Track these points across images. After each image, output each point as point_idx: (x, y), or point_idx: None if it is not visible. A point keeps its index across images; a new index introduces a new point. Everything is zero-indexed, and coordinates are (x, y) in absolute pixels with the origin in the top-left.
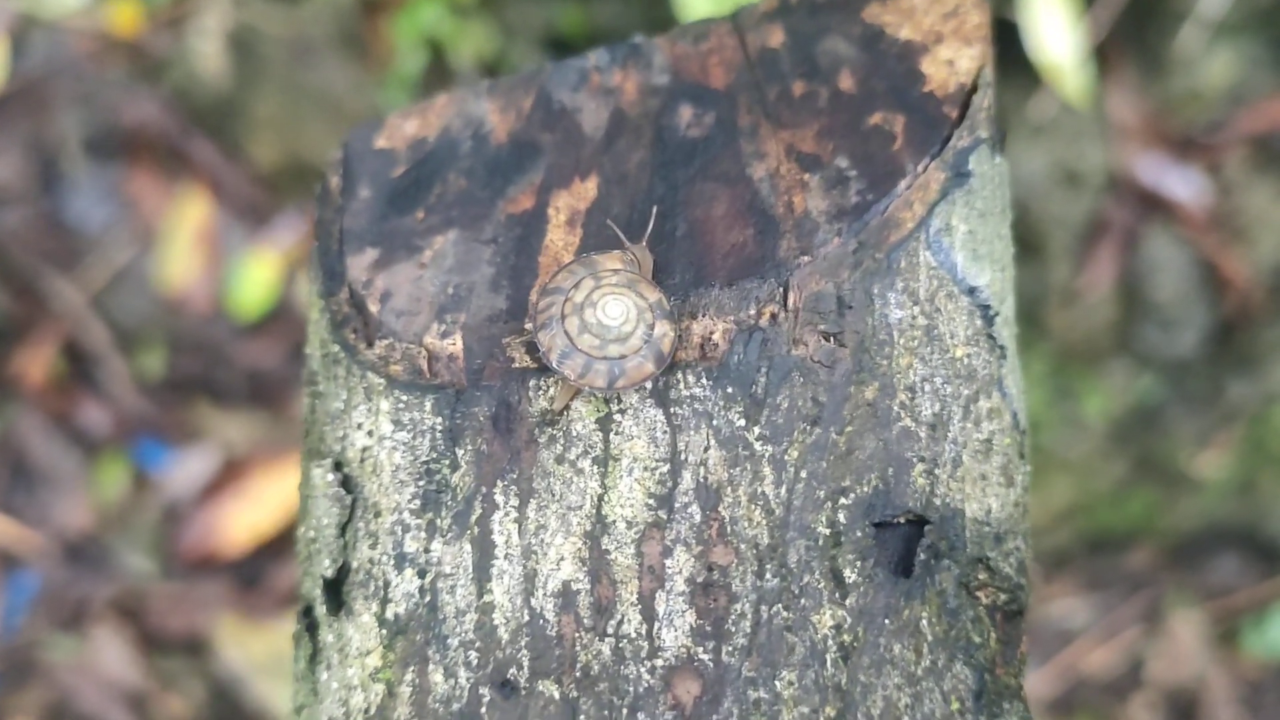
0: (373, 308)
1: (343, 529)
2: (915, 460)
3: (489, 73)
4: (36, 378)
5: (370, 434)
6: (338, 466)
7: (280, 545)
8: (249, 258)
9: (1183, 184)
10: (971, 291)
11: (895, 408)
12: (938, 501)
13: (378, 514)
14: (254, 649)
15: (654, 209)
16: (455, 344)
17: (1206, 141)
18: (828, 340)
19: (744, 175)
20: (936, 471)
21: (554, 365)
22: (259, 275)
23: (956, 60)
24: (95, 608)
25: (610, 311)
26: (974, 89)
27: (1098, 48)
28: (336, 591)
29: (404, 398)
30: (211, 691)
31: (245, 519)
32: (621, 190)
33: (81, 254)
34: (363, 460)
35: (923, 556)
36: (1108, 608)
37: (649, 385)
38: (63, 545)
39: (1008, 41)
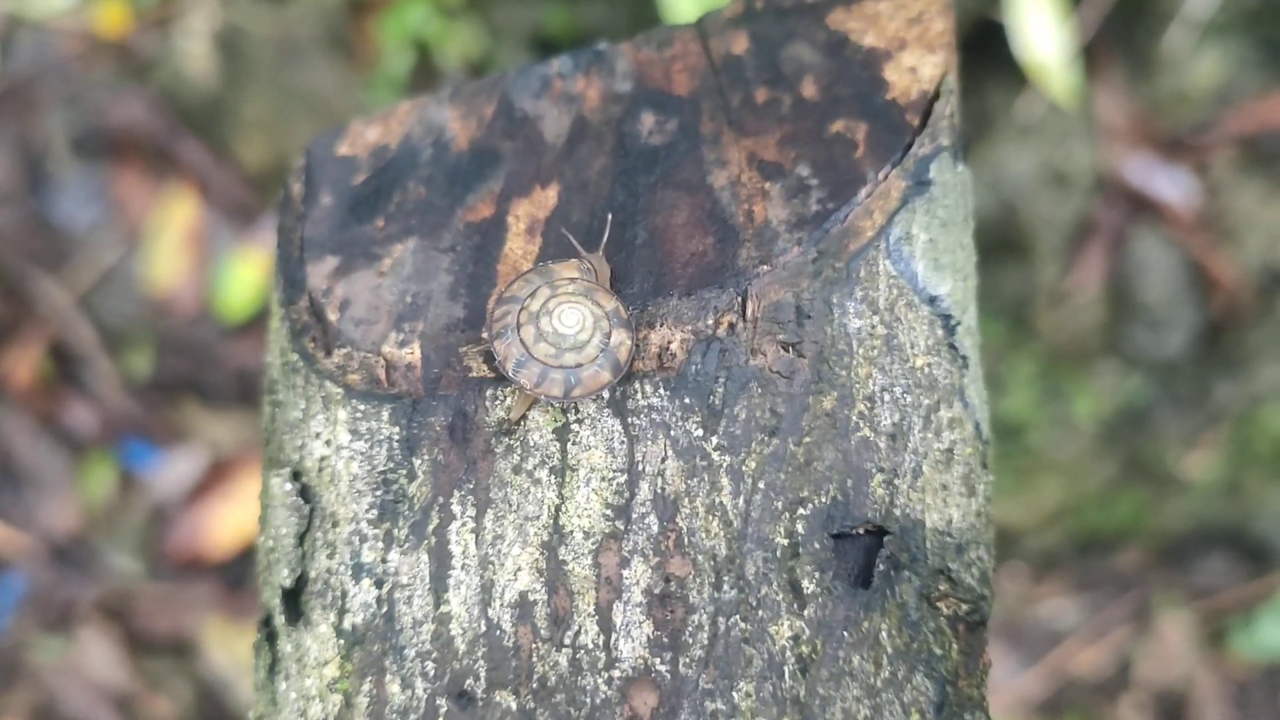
0: (331, 316)
1: (301, 539)
2: (874, 471)
3: (476, 74)
4: (23, 378)
5: (328, 443)
6: (296, 476)
7: None
8: (236, 258)
9: (1171, 184)
10: (932, 300)
11: (854, 418)
12: (898, 512)
13: (335, 524)
14: (240, 651)
15: (609, 218)
16: (413, 353)
17: (1194, 142)
18: (786, 350)
19: (705, 183)
20: (896, 482)
21: (509, 374)
22: (246, 276)
23: (919, 67)
24: (82, 609)
25: (566, 320)
26: (936, 96)
27: (1085, 48)
28: (295, 601)
29: (361, 407)
30: (198, 693)
31: (232, 520)
32: (582, 198)
33: (68, 254)
34: (320, 470)
35: (882, 568)
36: (1096, 608)
37: (606, 395)
38: (49, 546)
39: (994, 42)
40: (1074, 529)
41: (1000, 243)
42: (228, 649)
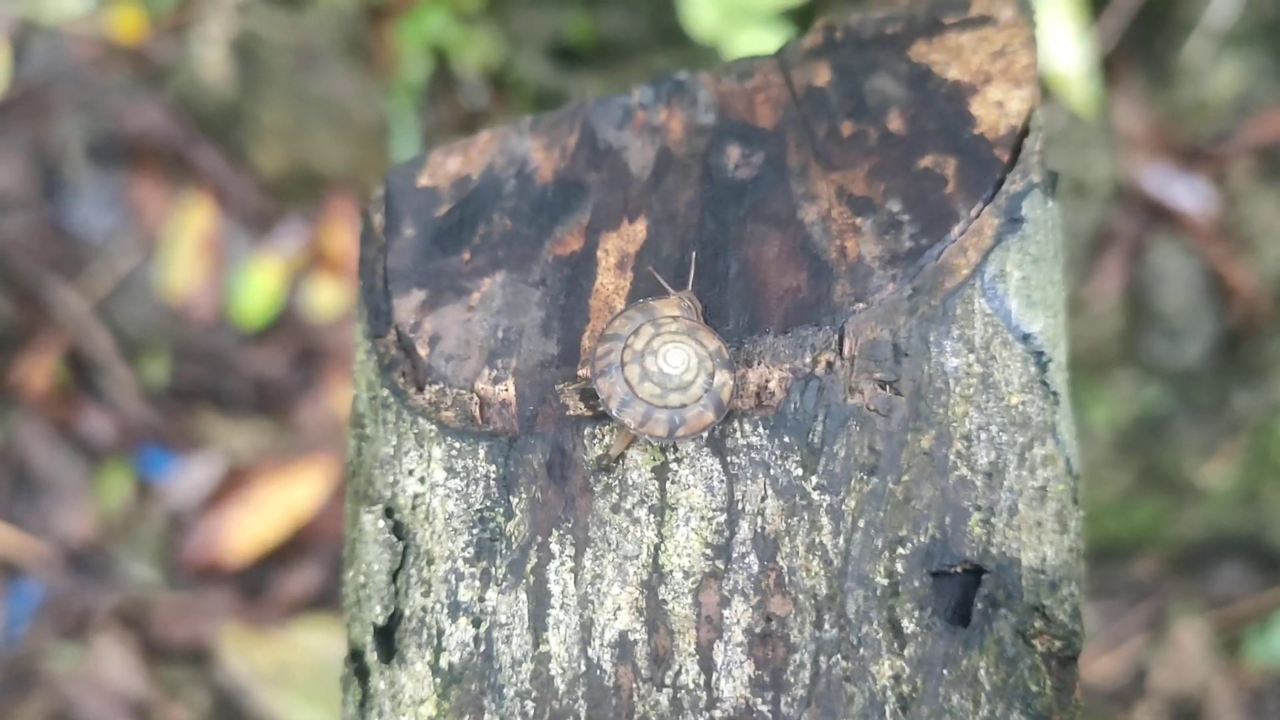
0: (422, 351)
1: (394, 576)
2: (972, 509)
3: (494, 81)
4: (39, 386)
5: (422, 481)
6: (389, 513)
7: (284, 554)
8: (253, 265)
9: (1189, 194)
10: (1025, 338)
11: (952, 456)
12: (994, 550)
13: (430, 561)
14: (258, 658)
15: (694, 255)
16: (507, 390)
17: (1213, 151)
18: (884, 388)
19: (795, 218)
20: (993, 520)
21: (614, 413)
22: (263, 283)
23: (1006, 102)
24: (98, 617)
25: (672, 360)
26: (1025, 132)
27: (1105, 58)
28: (388, 638)
29: (456, 445)
30: (215, 701)
31: (249, 528)
32: (671, 231)
33: (84, 261)
34: (414, 507)
35: (980, 606)
36: (1112, 616)
37: (706, 434)
38: (65, 554)
39: None
40: (1091, 537)
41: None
42: (244, 657)
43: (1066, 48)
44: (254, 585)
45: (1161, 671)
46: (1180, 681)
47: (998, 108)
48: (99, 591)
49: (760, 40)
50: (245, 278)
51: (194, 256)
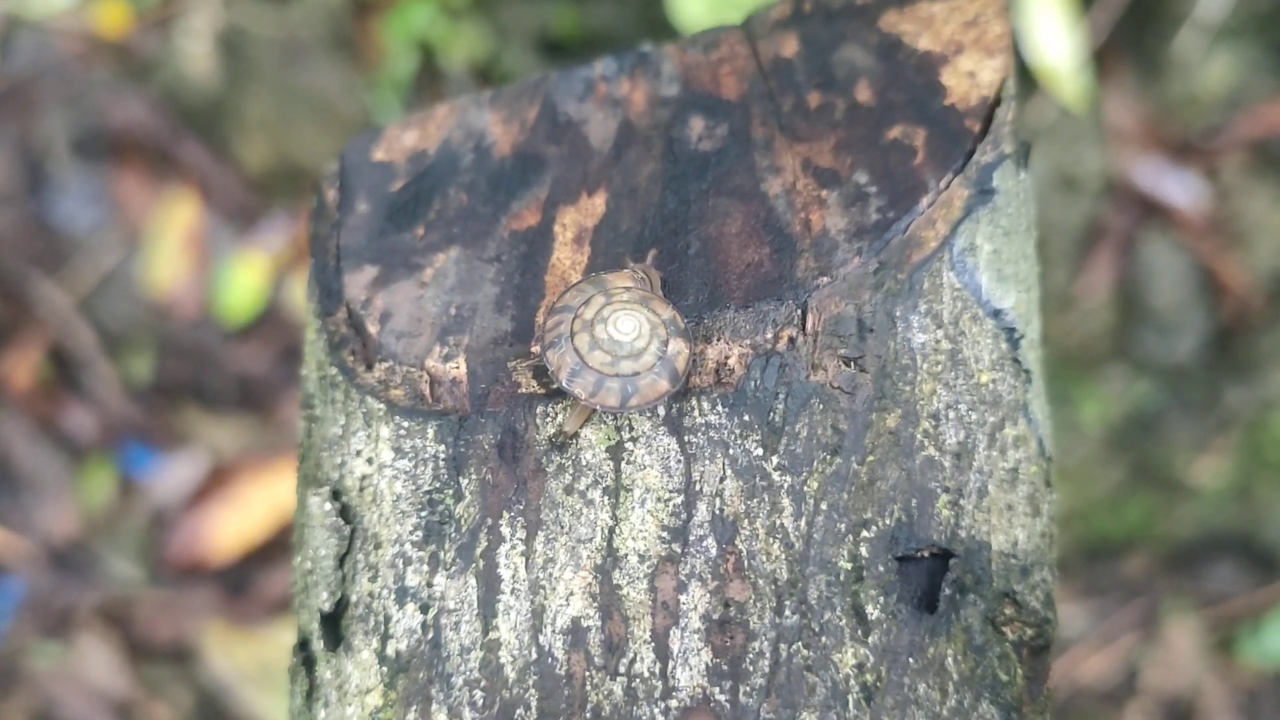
0: (372, 329)
1: (341, 560)
2: (940, 491)
3: (481, 75)
4: (22, 382)
5: (370, 462)
6: (335, 495)
7: (269, 552)
8: (238, 261)
9: (1180, 189)
10: (996, 314)
11: (919, 436)
12: (963, 534)
13: (378, 545)
14: (241, 657)
15: (653, 251)
16: (458, 368)
17: (1204, 146)
18: (848, 365)
19: (759, 191)
20: (961, 502)
21: (564, 384)
22: (247, 279)
23: (978, 72)
24: (81, 615)
25: (622, 327)
26: (997, 102)
27: (1095, 52)
28: (335, 626)
29: (405, 424)
30: (199, 700)
31: (233, 525)
32: (631, 205)
33: (68, 257)
34: (362, 489)
35: (948, 591)
36: (1103, 615)
37: (662, 410)
38: (48, 552)
39: None
40: (1081, 535)
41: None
42: (228, 655)
43: (1057, 41)
44: (238, 583)
45: (1153, 671)
46: (1172, 681)
47: (969, 78)
48: (81, 589)
49: None
50: (230, 273)
51: (178, 252)
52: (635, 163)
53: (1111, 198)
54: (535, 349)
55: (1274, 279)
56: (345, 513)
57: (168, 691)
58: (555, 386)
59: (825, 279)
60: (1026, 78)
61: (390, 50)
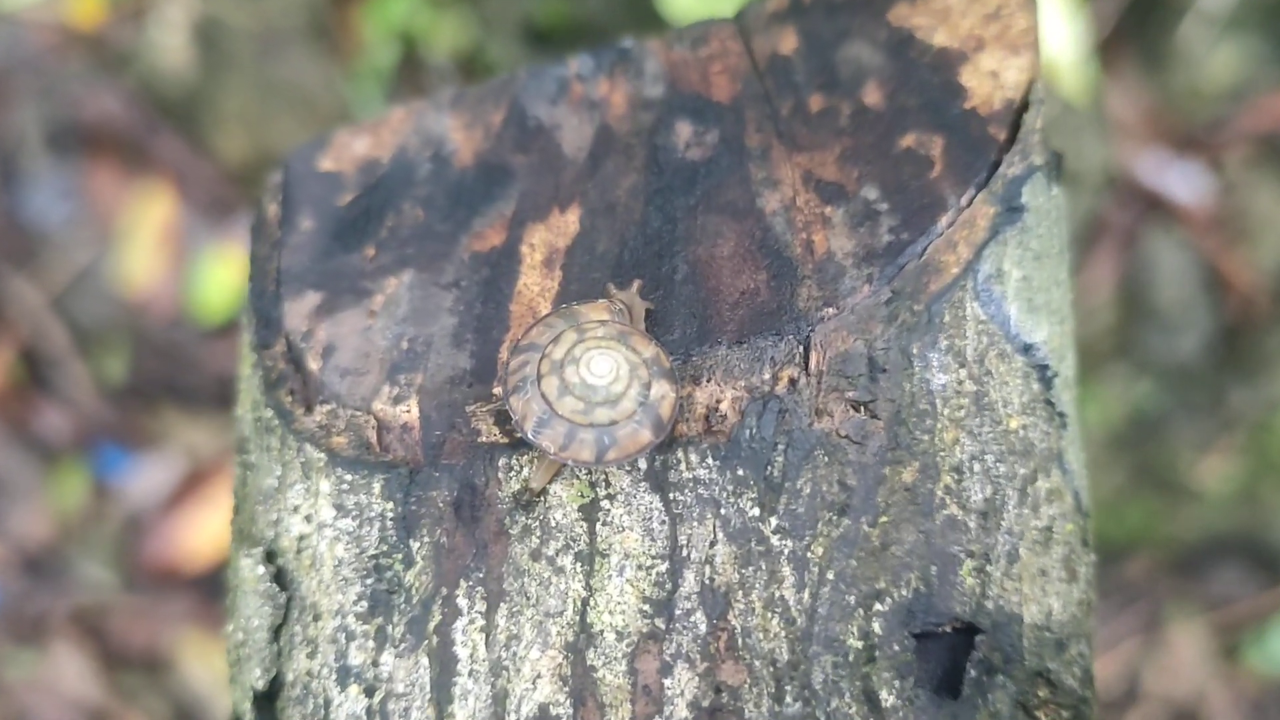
0: (313, 365)
1: (276, 633)
2: (963, 556)
3: (464, 68)
4: None
5: (308, 520)
6: (270, 557)
7: None
8: (214, 257)
9: (1184, 183)
10: (1027, 349)
11: (939, 492)
12: (990, 605)
13: (317, 617)
14: (218, 665)
15: (637, 282)
16: (410, 411)
17: (1208, 139)
18: (857, 410)
19: (754, 207)
20: (989, 569)
21: (529, 436)
22: (224, 275)
23: (1001, 71)
24: (55, 622)
25: (597, 368)
26: (1024, 106)
27: (1098, 43)
28: (269, 708)
29: (348, 477)
30: (174, 709)
31: (210, 529)
32: (609, 223)
33: (41, 253)
34: (299, 551)
35: (973, 673)
36: (1105, 619)
37: (643, 464)
38: (21, 557)
39: None
40: None
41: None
42: (204, 664)
43: (1059, 32)
44: (215, 589)
45: (1156, 677)
46: (1176, 687)
47: (992, 78)
48: (55, 596)
49: None
50: (207, 270)
51: (154, 248)
52: (614, 174)
53: (1114, 193)
54: (497, 391)
55: (1279, 276)
56: (281, 577)
57: (143, 699)
58: (520, 436)
59: (830, 310)
60: None
61: (370, 41)
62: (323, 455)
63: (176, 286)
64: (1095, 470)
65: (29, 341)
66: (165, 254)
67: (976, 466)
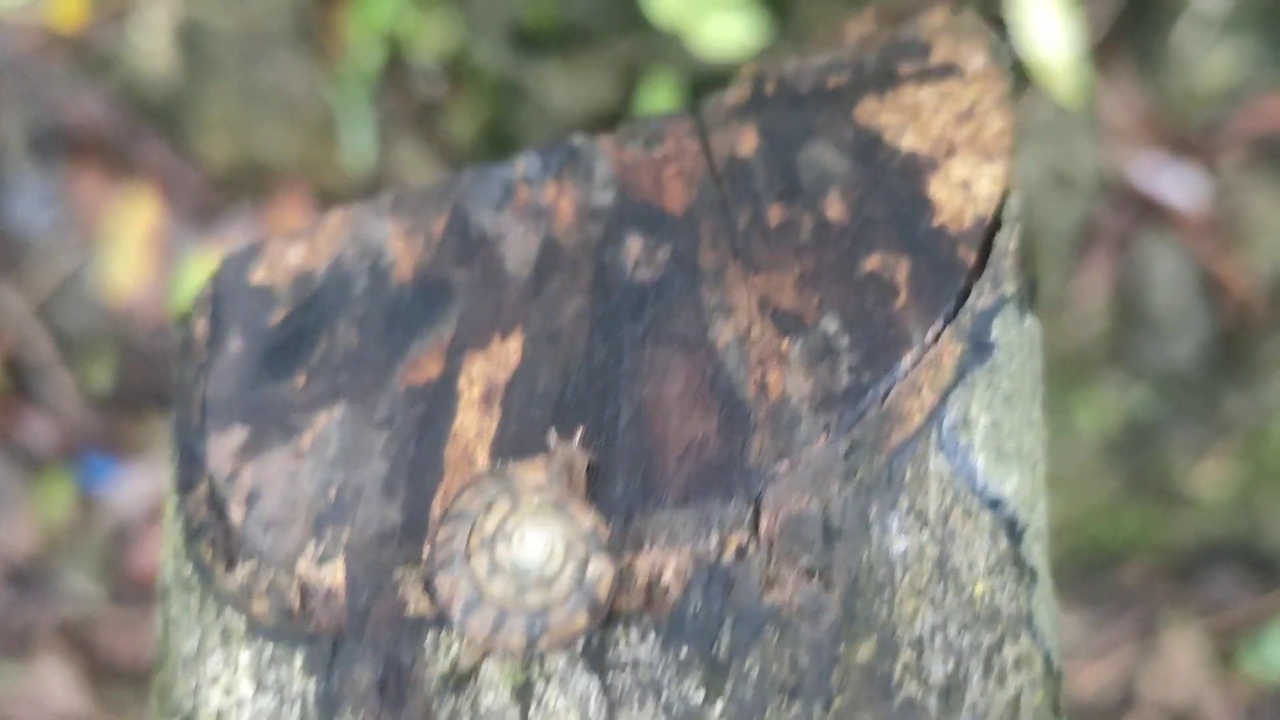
0: (236, 514)
1: None
2: None
3: (451, 69)
4: None
5: (228, 693)
6: None
7: None
8: (199, 263)
9: (1179, 187)
10: (995, 505)
11: (897, 671)
12: None
13: None
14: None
15: (580, 429)
16: (336, 573)
17: (1204, 142)
18: (810, 579)
19: (706, 339)
20: None
21: (456, 620)
22: None
23: (974, 181)
24: (41, 634)
25: (530, 545)
26: (997, 224)
27: (1092, 45)
28: None
29: (269, 649)
30: None
31: None
32: (552, 354)
33: (24, 260)
34: None
35: None
36: (1099, 625)
37: (581, 641)
38: (7, 568)
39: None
40: (1076, 544)
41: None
42: None
43: (1052, 34)
44: None
45: (1152, 683)
46: (1171, 693)
47: (963, 190)
48: (41, 608)
49: (728, 29)
50: (192, 275)
51: (139, 254)
52: (559, 296)
53: (1107, 197)
54: (428, 551)
55: (1276, 281)
56: None
57: (131, 712)
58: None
59: (785, 464)
60: (1021, 73)
61: (355, 43)
62: (243, 622)
63: (161, 293)
64: (1089, 477)
65: (12, 350)
66: (150, 260)
67: (938, 639)
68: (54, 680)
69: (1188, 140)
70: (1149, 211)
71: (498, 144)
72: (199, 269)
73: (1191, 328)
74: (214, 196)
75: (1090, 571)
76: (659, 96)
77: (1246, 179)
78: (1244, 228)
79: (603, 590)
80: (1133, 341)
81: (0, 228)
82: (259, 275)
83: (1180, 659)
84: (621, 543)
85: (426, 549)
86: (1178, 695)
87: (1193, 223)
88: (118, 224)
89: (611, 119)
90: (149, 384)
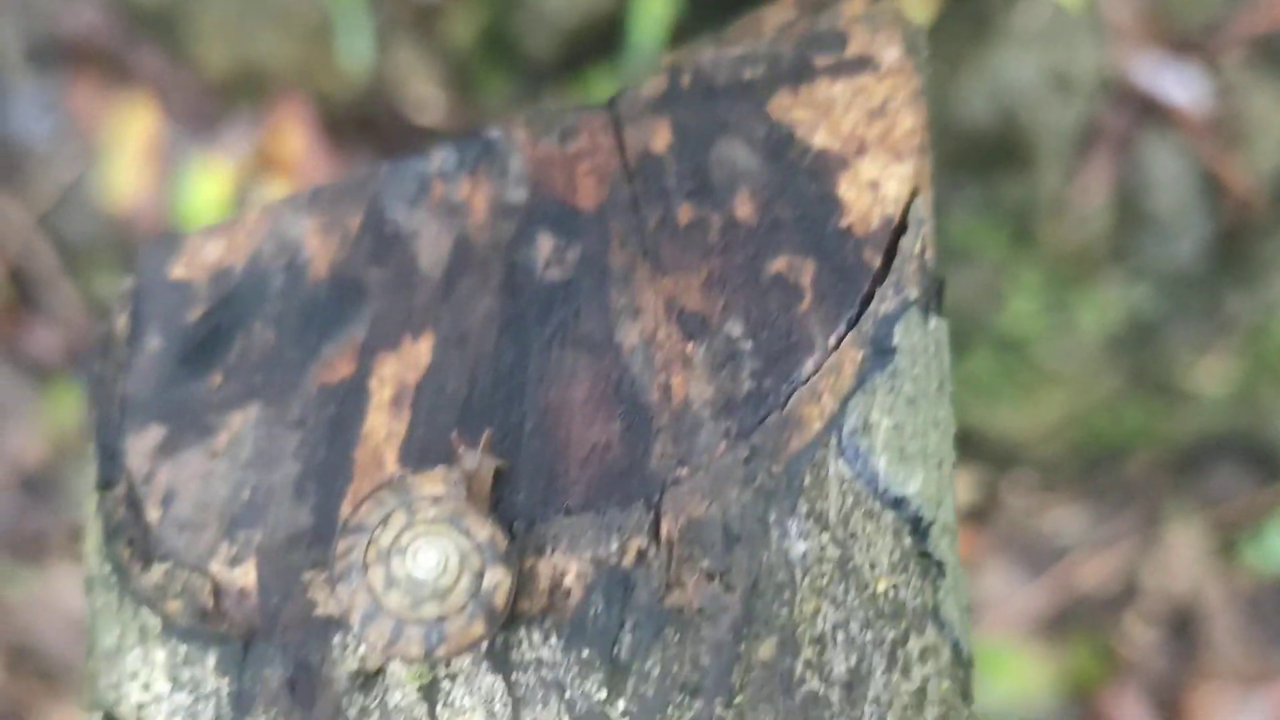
0: (152, 514)
1: None
2: None
3: None
4: None
5: (146, 688)
6: None
7: None
8: (199, 170)
9: (1180, 86)
10: (897, 504)
11: (799, 667)
12: None
13: None
14: None
15: (487, 433)
16: (248, 574)
17: (1205, 41)
18: (711, 581)
19: (612, 341)
20: None
21: (355, 630)
22: (210, 189)
23: (882, 182)
24: (53, 540)
25: (423, 560)
26: (903, 226)
27: None
28: None
29: (183, 648)
30: None
31: None
32: (460, 355)
33: (24, 170)
34: None
35: None
36: (1102, 519)
37: (484, 645)
38: (17, 476)
39: None
40: (1079, 439)
41: (1000, 152)
42: None
43: None
44: None
45: (1153, 574)
46: (1172, 585)
47: (871, 190)
48: (52, 514)
49: None
50: (193, 184)
51: (138, 163)
52: (469, 296)
53: (1108, 97)
54: (330, 561)
55: (1277, 180)
56: None
57: None
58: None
59: (684, 470)
60: None
61: None
62: (158, 621)
63: (163, 201)
64: (1091, 375)
65: (16, 260)
66: (150, 168)
67: (839, 635)
68: (68, 584)
69: (1189, 39)
70: (1150, 111)
71: (496, 48)
72: (199, 175)
73: (1192, 226)
74: (212, 103)
75: (1093, 466)
76: (653, 4)
77: (1248, 78)
78: (1245, 127)
79: (499, 599)
80: (1134, 240)
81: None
82: (178, 270)
83: (1182, 551)
84: (524, 547)
85: (330, 557)
86: (1179, 587)
87: (1194, 122)
88: (116, 132)
89: (608, 25)
90: None
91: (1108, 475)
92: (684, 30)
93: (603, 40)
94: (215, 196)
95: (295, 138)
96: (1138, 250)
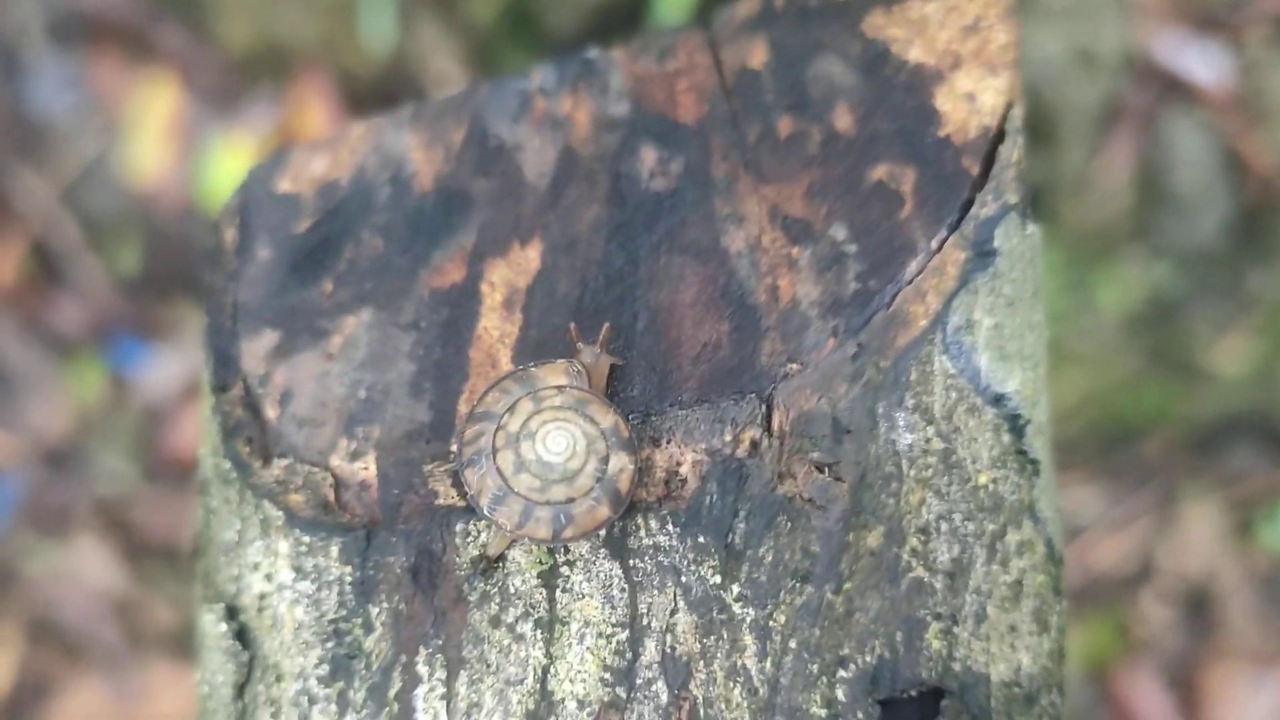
0: (270, 413)
1: (240, 690)
2: (930, 619)
3: None
4: (7, 278)
5: (269, 579)
6: (232, 613)
7: None
8: (221, 147)
9: (1203, 64)
10: (998, 400)
11: (905, 556)
12: (957, 666)
13: (279, 678)
14: None
15: (606, 326)
16: (368, 468)
17: (1228, 19)
18: (821, 472)
19: (719, 247)
20: (955, 630)
21: (484, 512)
22: (232, 166)
23: (979, 94)
24: (78, 513)
25: (553, 444)
26: (1000, 135)
27: None
28: None
29: (306, 539)
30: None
31: None
32: (570, 261)
33: (48, 145)
34: (260, 610)
35: None
36: (1119, 498)
37: (603, 533)
38: (42, 449)
39: None
40: (1097, 418)
41: (1024, 128)
42: None
43: None
44: None
45: (1169, 553)
46: (1189, 564)
47: (968, 101)
48: (76, 487)
49: None
50: (215, 160)
51: (161, 139)
52: (576, 205)
53: (1131, 74)
54: (455, 448)
55: None
56: (243, 635)
57: (166, 588)
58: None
59: (794, 366)
60: None
61: None
62: (281, 514)
63: (185, 176)
64: (1111, 354)
65: (40, 235)
66: (172, 144)
67: (943, 526)
68: (91, 557)
69: (1212, 16)
70: (1173, 88)
71: (518, 24)
72: (221, 152)
73: (1214, 204)
74: (234, 80)
75: (1111, 445)
76: None
77: (1271, 55)
78: (1267, 104)
79: (623, 484)
80: (1156, 218)
81: (22, 115)
82: (285, 185)
83: (1198, 530)
84: (640, 438)
85: (454, 446)
86: (1195, 566)
87: (1216, 99)
88: (139, 108)
89: (631, 3)
90: (176, 267)
91: (1125, 455)
92: (707, 2)
93: (626, 15)
94: (237, 172)
95: (317, 114)
96: (1159, 228)
